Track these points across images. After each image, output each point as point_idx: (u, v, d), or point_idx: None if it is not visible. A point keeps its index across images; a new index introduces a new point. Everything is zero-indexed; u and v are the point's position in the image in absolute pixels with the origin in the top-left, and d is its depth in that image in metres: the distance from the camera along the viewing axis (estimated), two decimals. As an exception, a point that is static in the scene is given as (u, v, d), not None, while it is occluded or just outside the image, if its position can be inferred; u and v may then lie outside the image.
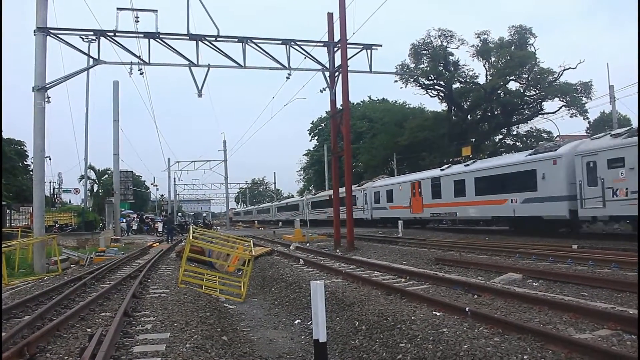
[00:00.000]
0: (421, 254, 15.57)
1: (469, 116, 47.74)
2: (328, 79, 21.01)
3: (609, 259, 11.27)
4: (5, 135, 44.18)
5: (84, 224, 35.52)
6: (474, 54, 44.37)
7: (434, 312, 6.84)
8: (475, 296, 8.04)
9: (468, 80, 45.67)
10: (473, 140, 44.59)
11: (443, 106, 49.16)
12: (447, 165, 28.06)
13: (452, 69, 45.26)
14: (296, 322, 8.45)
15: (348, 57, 20.23)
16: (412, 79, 45.03)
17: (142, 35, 18.40)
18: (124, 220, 43.36)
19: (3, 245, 14.63)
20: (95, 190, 61.41)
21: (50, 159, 36.80)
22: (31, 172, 31.66)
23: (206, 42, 18.94)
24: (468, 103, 47.61)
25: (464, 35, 45.04)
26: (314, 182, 72.10)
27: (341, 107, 21.16)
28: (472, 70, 45.59)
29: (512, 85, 44.27)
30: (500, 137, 48.93)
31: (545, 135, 44.29)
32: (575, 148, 18.19)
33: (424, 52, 44.91)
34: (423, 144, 47.39)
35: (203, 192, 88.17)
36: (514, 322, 5.83)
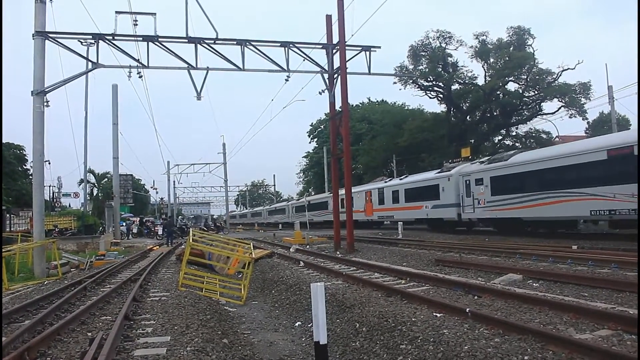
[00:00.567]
0: (421, 256, 15.57)
1: (468, 117, 47.76)
2: (327, 81, 21.03)
3: (609, 259, 11.28)
4: (4, 140, 44.22)
5: (84, 228, 35.48)
6: (472, 55, 44.42)
7: (434, 314, 6.84)
8: (476, 297, 8.04)
9: (467, 81, 45.72)
10: (472, 141, 44.65)
11: (442, 107, 49.20)
12: (389, 179, 36.13)
13: (451, 70, 45.30)
14: (297, 324, 8.45)
15: (347, 58, 20.27)
16: (411, 81, 45.06)
17: (141, 39, 18.42)
18: (124, 224, 43.36)
19: (3, 250, 14.62)
20: (94, 194, 61.41)
21: (49, 163, 36.87)
22: (31, 177, 31.62)
23: (205, 45, 18.96)
24: (467, 104, 47.63)
25: (462, 36, 45.30)
26: (314, 184, 72.08)
27: (340, 109, 21.17)
28: (471, 72, 45.67)
29: (511, 86, 44.35)
30: (500, 137, 48.95)
31: (544, 136, 44.33)
32: (460, 170, 25.12)
33: (423, 53, 44.95)
34: (422, 145, 47.40)
35: (203, 195, 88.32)
36: (514, 323, 5.83)
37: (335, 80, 20.94)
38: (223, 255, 14.32)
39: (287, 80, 20.49)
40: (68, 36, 18.29)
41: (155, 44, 18.42)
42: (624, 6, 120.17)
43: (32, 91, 17.26)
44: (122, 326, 6.84)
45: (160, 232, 42.05)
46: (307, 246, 23.26)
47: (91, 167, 55.77)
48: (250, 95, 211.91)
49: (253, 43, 19.47)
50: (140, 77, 19.37)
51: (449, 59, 45.12)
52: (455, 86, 46.43)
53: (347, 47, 20.24)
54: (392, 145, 50.06)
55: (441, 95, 46.86)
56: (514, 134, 47.76)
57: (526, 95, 43.65)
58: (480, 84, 44.68)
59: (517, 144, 46.53)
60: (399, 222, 27.20)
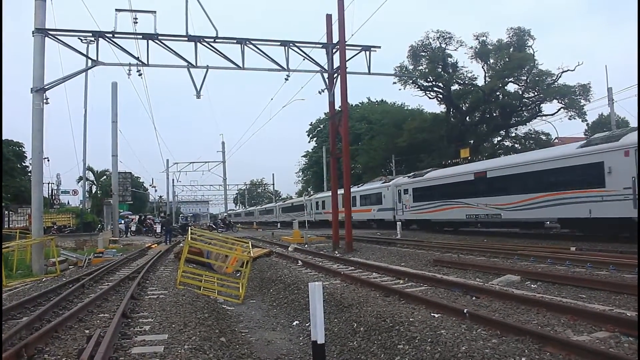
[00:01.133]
0: (419, 256, 15.57)
1: (467, 118, 47.80)
2: (327, 80, 21.01)
3: (607, 261, 11.29)
4: (3, 137, 44.11)
5: (83, 225, 35.47)
6: (472, 56, 44.48)
7: (432, 314, 6.85)
8: (474, 298, 8.05)
9: (467, 82, 45.76)
10: (472, 142, 44.70)
11: (442, 108, 49.26)
12: (359, 185, 41.32)
13: (450, 70, 45.34)
14: (294, 323, 8.45)
15: (347, 58, 20.24)
16: (411, 81, 45.09)
17: (140, 37, 18.38)
18: (123, 222, 43.32)
19: (1, 247, 14.61)
20: (93, 192, 61.37)
21: (48, 160, 36.73)
22: (29, 174, 31.61)
23: (205, 44, 18.94)
24: (467, 105, 47.68)
25: (462, 37, 45.28)
26: (313, 184, 72.09)
27: (340, 109, 21.15)
28: (470, 72, 45.74)
29: (511, 87, 44.42)
30: (499, 138, 49.02)
31: (543, 137, 44.41)
32: (396, 182, 32.44)
33: (423, 53, 44.98)
34: (422, 146, 47.42)
35: (202, 193, 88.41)
36: (512, 324, 5.83)
37: (335, 80, 20.93)
38: (221, 254, 14.32)
39: (286, 79, 20.47)
40: (68, 33, 18.27)
41: (155, 42, 18.39)
42: (625, 6, 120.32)
43: (31, 88, 17.25)
44: (120, 324, 6.85)
45: (158, 230, 42.03)
46: (306, 245, 23.26)
47: (90, 165, 55.85)
48: (250, 94, 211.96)
49: (253, 42, 19.45)
50: (140, 75, 19.35)
51: (449, 59, 45.18)
52: (455, 87, 46.48)
53: (347, 47, 20.23)
54: (392, 145, 50.07)
55: (441, 96, 46.89)
56: (513, 135, 47.87)
57: (526, 96, 43.71)
58: (480, 85, 44.73)
59: (516, 145, 46.62)
60: (397, 223, 27.67)
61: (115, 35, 18.15)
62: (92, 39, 18.38)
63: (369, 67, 21.03)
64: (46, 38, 17.57)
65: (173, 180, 70.43)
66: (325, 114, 53.61)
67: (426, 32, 44.79)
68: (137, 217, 52.05)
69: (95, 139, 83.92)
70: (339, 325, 7.44)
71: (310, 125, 74.29)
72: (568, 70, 39.73)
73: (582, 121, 43.23)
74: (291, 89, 37.26)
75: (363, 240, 23.38)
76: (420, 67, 45.48)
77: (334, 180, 23.02)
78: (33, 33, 17.31)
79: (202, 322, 7.37)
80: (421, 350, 5.50)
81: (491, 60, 44.20)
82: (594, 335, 5.53)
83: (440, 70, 45.19)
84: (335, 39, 20.44)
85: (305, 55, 20.36)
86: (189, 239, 12.24)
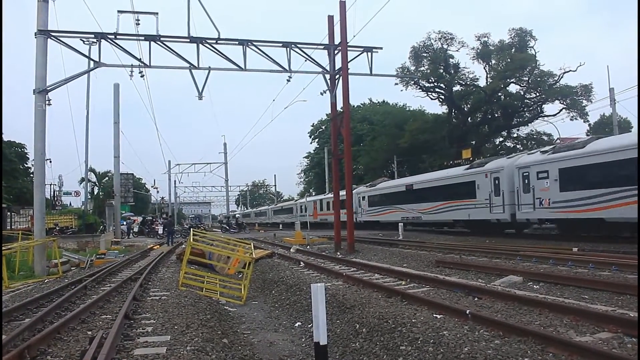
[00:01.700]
0: (422, 257, 15.56)
1: (469, 119, 47.78)
2: (328, 81, 21.03)
3: (609, 261, 11.27)
4: (5, 138, 44.20)
5: (85, 227, 35.53)
6: (474, 57, 44.49)
7: (434, 315, 6.84)
8: (476, 299, 8.04)
9: (468, 82, 45.75)
10: (473, 142, 44.66)
11: (443, 109, 49.27)
12: (325, 194, 49.22)
13: (452, 71, 45.34)
14: (297, 324, 8.45)
15: (348, 59, 20.23)
16: (413, 82, 45.12)
17: (142, 38, 18.41)
18: (125, 223, 43.36)
19: (3, 248, 14.64)
20: (95, 193, 61.45)
21: (50, 161, 36.76)
22: (32, 175, 31.65)
23: (207, 45, 18.96)
24: (468, 105, 47.67)
25: (464, 37, 45.23)
26: (314, 185, 72.10)
27: (341, 110, 21.17)
28: (472, 73, 45.77)
29: (513, 88, 44.41)
30: (501, 139, 48.97)
31: (545, 138, 44.35)
32: (357, 190, 36.87)
33: (425, 54, 45.00)
34: (423, 147, 47.43)
35: (203, 194, 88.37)
36: (514, 325, 5.83)
37: (336, 81, 20.94)
38: (223, 255, 14.32)
39: (288, 80, 20.48)
40: (70, 35, 18.32)
41: (157, 44, 18.42)
42: (626, 6, 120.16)
43: (34, 89, 17.27)
44: (122, 325, 6.84)
45: (160, 232, 42.03)
46: (308, 247, 23.25)
47: (92, 166, 55.88)
48: (252, 95, 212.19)
49: (255, 43, 19.46)
50: (142, 76, 19.34)
51: (451, 60, 45.20)
52: (457, 87, 46.49)
53: (348, 48, 20.22)
54: (393, 146, 50.08)
55: (442, 97, 46.90)
56: (515, 135, 47.82)
57: (527, 97, 43.68)
58: (482, 86, 44.72)
59: (518, 146, 46.58)
60: (399, 224, 27.70)
61: (118, 37, 18.18)
62: (95, 40, 18.40)
63: (370, 68, 21.03)
64: (49, 39, 17.60)
65: (175, 181, 70.54)
66: (327, 115, 53.71)
67: (428, 33, 44.91)
68: (141, 219, 51.98)
69: (97, 140, 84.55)
70: (341, 326, 7.43)
71: (312, 126, 74.40)
72: (570, 70, 39.76)
73: (584, 122, 43.22)
74: (293, 90, 37.52)
75: (365, 241, 23.37)
76: (422, 68, 45.50)
77: (335, 181, 23.03)
78: (35, 34, 17.34)
79: (205, 323, 7.37)
80: (424, 352, 5.50)
81: (493, 61, 44.18)
82: (597, 336, 5.52)
83: (442, 71, 45.19)
84: (337, 40, 20.45)
85: (307, 57, 20.38)
86: (191, 240, 12.24)
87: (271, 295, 11.39)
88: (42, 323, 7.26)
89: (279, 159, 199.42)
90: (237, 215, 65.85)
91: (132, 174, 52.62)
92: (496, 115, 46.09)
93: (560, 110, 41.29)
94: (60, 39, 18.03)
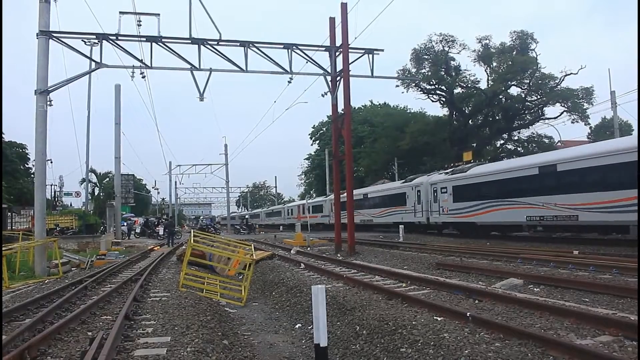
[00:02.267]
0: (422, 259, 15.55)
1: (470, 121, 47.74)
2: (329, 83, 21.05)
3: (610, 264, 11.27)
4: (7, 138, 44.34)
5: (85, 227, 35.53)
6: (475, 59, 44.43)
7: (435, 317, 6.83)
8: (477, 301, 8.03)
9: (469, 85, 45.71)
10: (474, 145, 44.61)
11: (444, 111, 49.24)
12: (310, 198, 54.44)
13: (453, 73, 45.33)
14: (297, 326, 8.44)
15: (350, 61, 20.25)
16: (414, 84, 45.10)
17: (144, 39, 18.43)
18: (125, 224, 43.34)
19: (4, 248, 14.64)
20: (96, 194, 61.46)
21: (51, 162, 36.85)
22: (33, 175, 31.69)
23: (208, 46, 18.98)
24: (469, 108, 47.64)
25: (465, 40, 45.20)
26: (315, 187, 72.08)
27: (342, 112, 21.17)
28: (473, 75, 45.69)
29: (514, 91, 44.37)
30: (502, 142, 48.93)
31: (546, 141, 44.31)
32: (330, 197, 41.34)
33: (426, 56, 44.99)
34: (424, 149, 47.40)
35: (204, 195, 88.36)
36: (515, 328, 5.83)
37: (337, 83, 20.96)
38: (224, 257, 14.31)
39: (289, 82, 20.48)
40: (72, 36, 18.31)
41: (159, 45, 18.44)
42: (626, 6, 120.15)
43: (35, 90, 17.27)
44: (123, 326, 6.85)
45: (161, 233, 41.96)
46: (308, 248, 23.24)
47: (93, 167, 55.84)
48: (253, 96, 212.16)
49: (256, 45, 19.47)
50: (143, 77, 19.39)
51: (452, 62, 45.19)
52: (458, 90, 46.45)
53: (350, 50, 20.24)
54: (394, 148, 50.06)
55: (443, 99, 46.88)
56: (516, 138, 47.75)
57: (528, 99, 43.63)
58: (483, 88, 44.69)
59: (519, 149, 46.54)
60: (400, 226, 27.74)
61: (119, 38, 18.20)
62: (96, 41, 18.41)
63: (371, 70, 21.06)
64: (50, 40, 17.61)
65: (175, 182, 70.55)
66: (328, 116, 53.74)
67: (429, 35, 44.88)
68: (144, 220, 51.80)
69: (98, 141, 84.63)
70: (342, 328, 7.43)
71: (312, 128, 74.33)
72: (571, 73, 39.66)
73: (585, 125, 43.09)
74: (294, 92, 37.59)
75: (365, 243, 23.37)
76: (423, 70, 45.49)
77: (336, 182, 23.02)
78: (37, 35, 17.34)
79: (205, 324, 7.37)
80: (424, 354, 5.49)
81: (494, 64, 44.15)
82: (598, 339, 5.52)
83: (443, 73, 45.19)
84: (339, 42, 20.48)
85: (308, 58, 20.39)
86: (192, 241, 12.23)
87: (271, 297, 11.38)
88: (43, 323, 7.26)
89: (279, 160, 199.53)
90: (246, 217, 65.76)
91: (133, 174, 52.67)
92: (497, 117, 46.05)
93: (562, 113, 41.22)
94: (62, 39, 18.04)
